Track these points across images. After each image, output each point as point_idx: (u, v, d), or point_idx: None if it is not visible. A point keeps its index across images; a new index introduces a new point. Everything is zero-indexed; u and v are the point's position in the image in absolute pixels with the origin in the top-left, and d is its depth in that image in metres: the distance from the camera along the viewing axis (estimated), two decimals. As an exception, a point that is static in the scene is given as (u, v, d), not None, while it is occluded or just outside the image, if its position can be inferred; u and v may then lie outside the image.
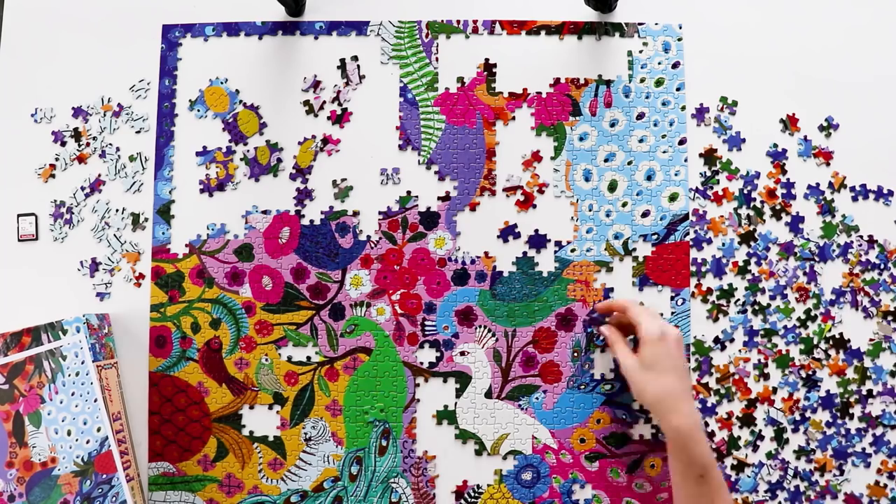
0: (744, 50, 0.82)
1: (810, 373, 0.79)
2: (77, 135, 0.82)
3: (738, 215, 0.81)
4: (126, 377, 0.79)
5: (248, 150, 0.82)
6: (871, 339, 0.80)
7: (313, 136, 0.81)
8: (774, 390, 0.79)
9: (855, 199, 0.81)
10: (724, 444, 0.78)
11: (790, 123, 0.82)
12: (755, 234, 0.81)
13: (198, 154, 0.82)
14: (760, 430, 0.79)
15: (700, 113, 0.82)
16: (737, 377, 0.79)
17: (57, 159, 0.82)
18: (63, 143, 0.82)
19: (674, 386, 0.67)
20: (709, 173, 0.81)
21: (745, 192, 0.81)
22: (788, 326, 0.80)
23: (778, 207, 0.81)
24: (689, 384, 0.70)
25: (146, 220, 0.81)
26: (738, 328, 0.79)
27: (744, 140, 0.82)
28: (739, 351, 0.79)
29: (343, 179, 0.81)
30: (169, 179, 0.81)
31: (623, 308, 0.74)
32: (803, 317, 0.80)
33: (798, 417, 0.79)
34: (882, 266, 0.80)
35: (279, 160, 0.81)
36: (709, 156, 0.81)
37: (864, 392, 0.79)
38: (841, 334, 0.80)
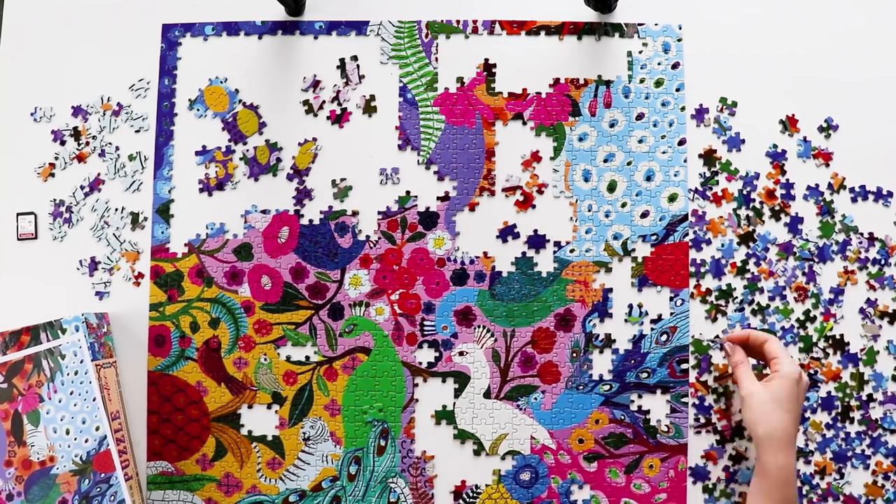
0: (743, 50, 0.82)
1: (811, 372, 0.79)
2: (77, 134, 0.82)
3: (737, 216, 0.80)
4: (125, 376, 0.79)
5: (247, 150, 0.81)
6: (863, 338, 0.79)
7: (314, 139, 0.81)
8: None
9: (854, 200, 0.81)
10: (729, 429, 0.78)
11: (790, 124, 0.82)
12: (754, 234, 0.80)
13: (197, 153, 0.81)
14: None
15: (699, 113, 0.81)
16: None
17: (56, 158, 0.82)
18: (62, 143, 0.82)
19: (791, 427, 0.68)
20: (708, 174, 0.81)
21: (745, 192, 0.81)
22: (787, 327, 0.79)
23: (777, 208, 0.81)
24: (798, 430, 0.71)
25: (145, 219, 0.81)
26: (736, 327, 0.79)
27: (743, 141, 0.81)
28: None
29: (342, 179, 0.81)
30: (168, 179, 0.81)
31: (762, 340, 0.73)
32: (802, 317, 0.79)
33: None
34: (883, 262, 0.79)
35: (278, 160, 0.81)
36: (708, 157, 0.81)
37: (863, 397, 0.78)
38: (842, 336, 0.79)
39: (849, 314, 0.80)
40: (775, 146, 0.81)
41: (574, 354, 0.79)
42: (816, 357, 0.79)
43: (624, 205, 0.80)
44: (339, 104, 0.82)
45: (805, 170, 0.81)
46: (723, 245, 0.80)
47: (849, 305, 0.80)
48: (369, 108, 0.82)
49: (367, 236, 0.80)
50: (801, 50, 0.82)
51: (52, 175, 0.82)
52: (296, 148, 0.81)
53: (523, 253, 0.80)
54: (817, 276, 0.80)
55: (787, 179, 0.81)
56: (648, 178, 0.81)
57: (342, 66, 0.82)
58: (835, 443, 0.78)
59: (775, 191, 0.81)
